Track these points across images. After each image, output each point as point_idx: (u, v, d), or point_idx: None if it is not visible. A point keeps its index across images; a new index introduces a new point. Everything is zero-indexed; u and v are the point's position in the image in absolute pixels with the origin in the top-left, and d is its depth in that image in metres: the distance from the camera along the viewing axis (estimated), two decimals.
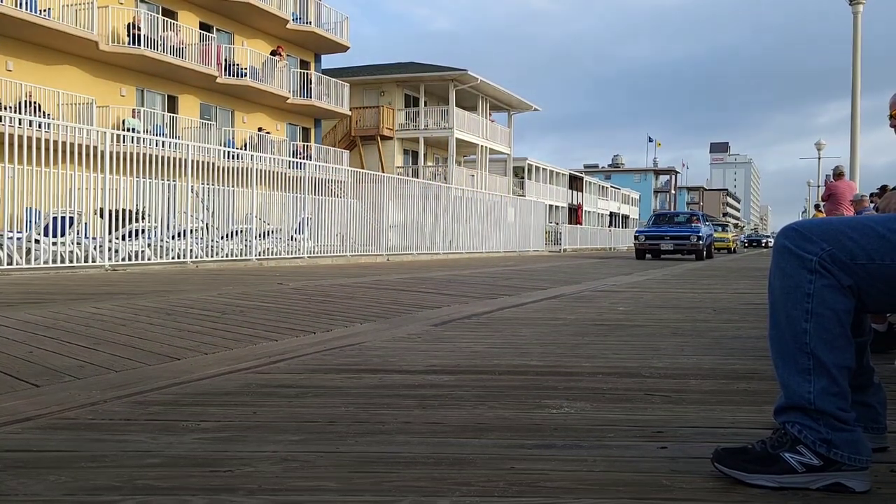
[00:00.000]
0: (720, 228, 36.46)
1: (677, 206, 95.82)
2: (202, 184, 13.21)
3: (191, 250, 12.56)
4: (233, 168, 14.19)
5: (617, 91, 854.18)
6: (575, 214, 58.08)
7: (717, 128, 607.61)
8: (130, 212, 11.56)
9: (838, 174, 13.01)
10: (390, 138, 35.59)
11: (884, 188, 11.68)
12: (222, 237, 13.60)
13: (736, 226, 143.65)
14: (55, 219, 10.30)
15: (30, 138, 10.00)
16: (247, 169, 14.38)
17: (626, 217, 73.57)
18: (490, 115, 41.03)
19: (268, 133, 28.05)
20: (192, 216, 12.80)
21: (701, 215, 23.99)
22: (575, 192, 60.62)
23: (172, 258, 12.21)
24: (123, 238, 11.37)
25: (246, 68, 26.54)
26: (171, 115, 24.69)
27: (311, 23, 29.75)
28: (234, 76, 26.21)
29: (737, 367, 3.34)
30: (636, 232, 23.00)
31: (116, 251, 11.25)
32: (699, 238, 20.95)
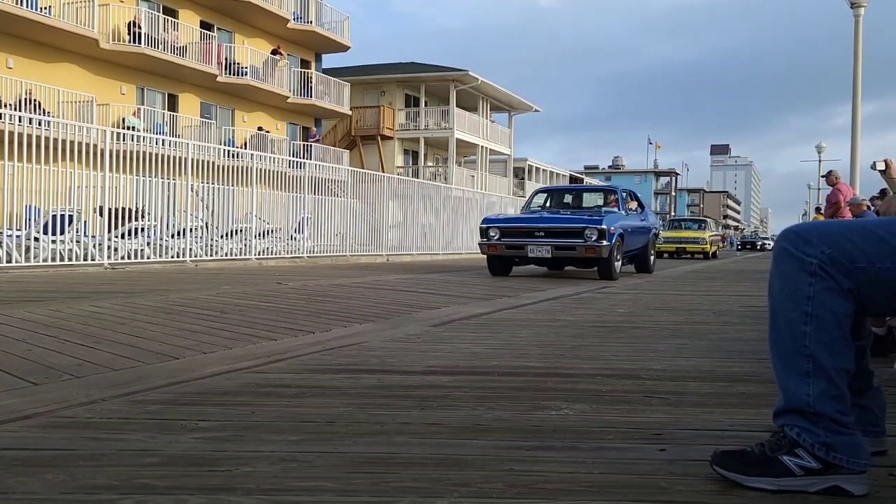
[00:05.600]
0: (694, 226, 28.60)
1: (677, 208, 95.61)
2: (202, 182, 13.21)
3: (190, 249, 12.55)
4: (233, 167, 14.19)
5: (624, 92, 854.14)
6: None
7: (725, 130, 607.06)
8: (130, 210, 11.56)
9: (836, 177, 12.98)
10: (390, 138, 35.58)
11: (884, 192, 11.68)
12: (222, 236, 13.59)
13: (736, 227, 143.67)
14: (54, 217, 10.29)
15: (30, 136, 9.99)
16: (247, 168, 14.38)
17: None
18: (490, 115, 41.03)
19: (268, 132, 28.05)
20: (191, 215, 12.80)
21: (622, 195, 12.31)
22: None
23: (172, 257, 12.20)
24: (123, 236, 11.36)
25: (246, 67, 26.53)
26: (172, 113, 24.69)
27: (311, 22, 29.76)
28: (234, 75, 26.20)
29: (736, 369, 3.34)
30: (483, 222, 11.34)
31: (116, 249, 11.24)
32: (602, 235, 10.23)
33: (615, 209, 11.88)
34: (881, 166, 5.76)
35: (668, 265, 18.04)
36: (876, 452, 1.83)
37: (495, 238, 10.84)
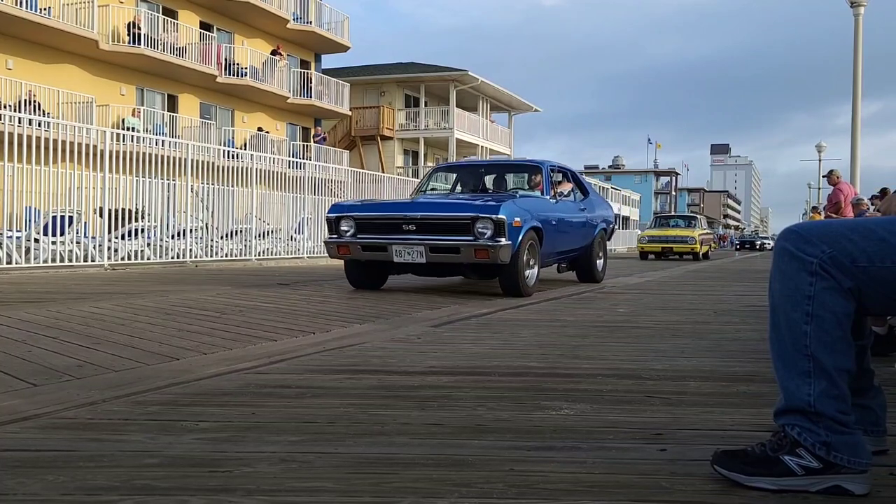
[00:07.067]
0: (682, 223, 25.15)
1: (677, 207, 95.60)
2: (202, 183, 13.21)
3: (190, 250, 12.55)
4: (232, 167, 14.19)
5: (625, 92, 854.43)
6: None
7: (725, 129, 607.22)
8: (130, 211, 11.56)
9: (837, 176, 13.00)
10: (390, 138, 35.59)
11: (884, 191, 11.69)
12: (222, 237, 13.59)
13: (736, 227, 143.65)
14: (55, 218, 10.30)
15: (29, 137, 9.99)
16: (246, 168, 14.38)
17: (626, 218, 73.68)
18: (490, 115, 41.05)
19: (267, 133, 28.06)
20: (191, 216, 12.80)
21: (548, 175, 8.77)
22: None
23: (172, 258, 12.20)
24: (123, 237, 11.36)
25: (246, 68, 26.54)
26: (171, 114, 24.69)
27: (311, 23, 29.76)
28: (234, 76, 26.20)
29: (737, 369, 3.34)
30: (331, 210, 7.80)
31: (116, 250, 11.24)
32: (499, 230, 6.84)
33: (538, 193, 8.45)
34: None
35: (661, 266, 18.02)
36: (877, 452, 1.83)
37: (348, 234, 7.42)
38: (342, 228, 7.49)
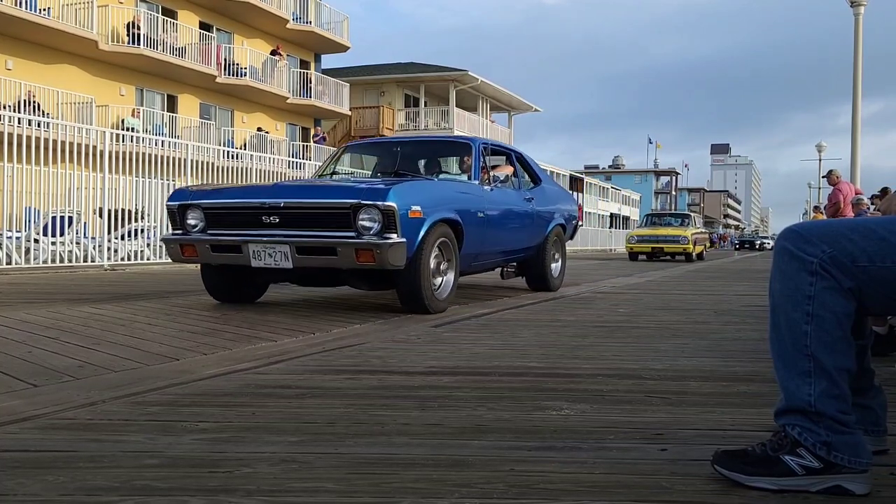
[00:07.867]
0: (675, 222, 23.11)
1: (678, 207, 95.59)
2: (202, 183, 13.20)
3: None
4: (232, 168, 14.19)
5: (626, 91, 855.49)
6: None
7: (726, 129, 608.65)
8: (130, 211, 11.56)
9: (837, 176, 13.01)
10: None
11: (885, 190, 11.70)
12: None
13: (736, 227, 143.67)
14: (54, 218, 10.29)
15: (29, 137, 9.99)
16: (246, 169, 14.38)
17: (626, 218, 73.79)
18: (490, 115, 41.05)
19: (267, 133, 28.06)
20: None
21: (479, 155, 6.65)
22: (575, 193, 60.55)
23: None
24: (123, 238, 11.36)
25: (246, 68, 26.55)
26: (171, 114, 24.70)
27: (311, 22, 29.77)
28: (233, 76, 26.22)
29: (737, 369, 3.34)
30: (172, 198, 5.72)
31: (115, 251, 11.23)
32: (390, 222, 4.94)
33: (465, 177, 6.68)
34: None
35: (660, 267, 18.02)
36: (877, 451, 1.83)
37: (196, 229, 5.60)
38: (188, 222, 5.61)
